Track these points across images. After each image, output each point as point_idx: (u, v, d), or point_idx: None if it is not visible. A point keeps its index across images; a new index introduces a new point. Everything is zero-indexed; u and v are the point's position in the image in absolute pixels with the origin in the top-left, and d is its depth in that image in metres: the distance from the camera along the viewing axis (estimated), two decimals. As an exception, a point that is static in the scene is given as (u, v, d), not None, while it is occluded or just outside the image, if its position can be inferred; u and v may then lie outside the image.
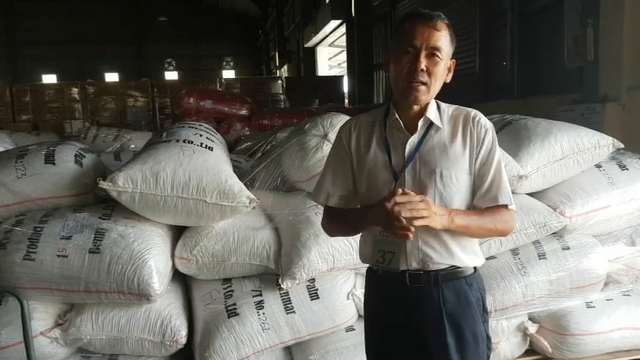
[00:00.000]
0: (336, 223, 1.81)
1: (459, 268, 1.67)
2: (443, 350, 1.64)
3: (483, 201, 1.66)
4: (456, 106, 1.73)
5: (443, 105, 1.71)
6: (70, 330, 2.37)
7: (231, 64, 30.25)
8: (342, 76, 16.10)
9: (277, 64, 24.69)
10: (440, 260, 1.64)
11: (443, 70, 1.62)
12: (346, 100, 14.74)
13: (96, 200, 2.59)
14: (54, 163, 2.50)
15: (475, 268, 1.72)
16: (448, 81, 1.67)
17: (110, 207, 2.51)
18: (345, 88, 15.00)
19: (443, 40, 1.59)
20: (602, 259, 2.81)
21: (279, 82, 14.39)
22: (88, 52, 26.78)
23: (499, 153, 1.68)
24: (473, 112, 1.69)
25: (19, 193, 2.46)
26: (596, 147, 2.89)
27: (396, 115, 1.67)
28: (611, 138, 2.94)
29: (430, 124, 1.66)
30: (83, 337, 2.38)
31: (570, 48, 5.18)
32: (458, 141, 1.65)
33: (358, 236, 1.84)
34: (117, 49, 27.49)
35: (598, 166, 3.00)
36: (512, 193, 1.74)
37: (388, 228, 1.52)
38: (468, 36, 8.23)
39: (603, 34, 4.69)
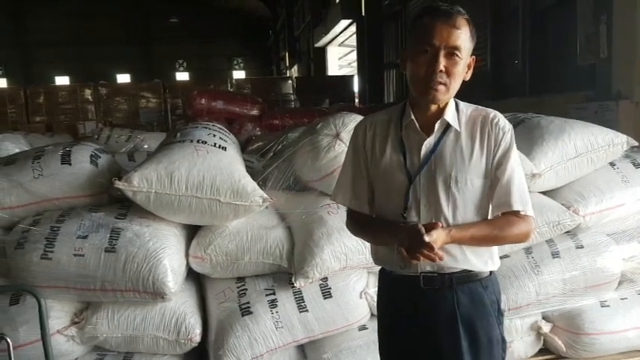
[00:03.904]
0: (363, 230, 1.79)
1: (474, 271, 1.64)
2: (456, 353, 1.63)
3: (499, 206, 1.62)
4: (475, 106, 1.68)
5: (462, 105, 1.66)
6: (86, 328, 2.40)
7: (242, 64, 30.30)
8: (352, 76, 16.08)
9: (287, 65, 24.71)
10: (454, 264, 1.62)
11: (462, 69, 1.57)
12: (356, 100, 14.73)
13: (111, 200, 2.61)
14: (70, 164, 2.53)
15: (491, 271, 1.69)
16: (468, 78, 1.62)
17: (125, 207, 2.54)
18: (356, 87, 14.99)
19: (462, 37, 1.54)
20: (616, 258, 2.79)
21: (290, 82, 14.43)
22: (99, 54, 26.93)
23: (516, 156, 1.63)
24: (492, 113, 1.64)
25: (36, 193, 2.49)
26: (610, 145, 2.87)
27: (412, 116, 1.63)
28: (625, 136, 2.92)
29: (447, 126, 1.62)
30: (99, 335, 2.40)
31: (583, 45, 5.13)
32: (475, 144, 1.61)
33: None
34: (128, 51, 27.65)
35: (612, 164, 2.98)
36: (525, 191, 1.70)
37: (411, 253, 1.49)
38: (478, 33, 8.12)
39: (617, 31, 4.65)
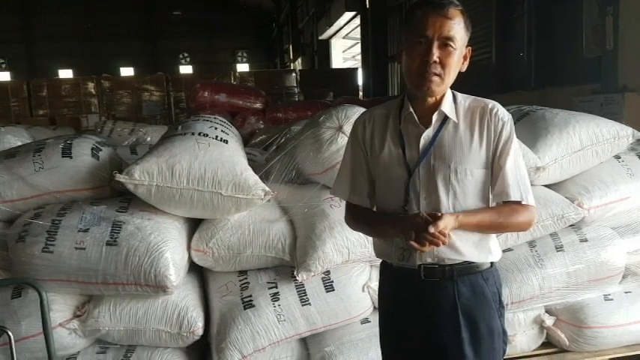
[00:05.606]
0: (361, 223, 1.79)
1: (475, 263, 1.65)
2: (457, 344, 1.63)
3: (498, 195, 1.62)
4: (474, 97, 1.67)
5: (459, 96, 1.66)
6: (89, 321, 2.40)
7: (245, 57, 30.26)
8: (356, 69, 16.06)
9: (291, 57, 24.67)
10: (454, 257, 1.62)
11: (457, 60, 1.56)
12: (360, 93, 14.69)
13: (113, 193, 2.61)
14: (71, 157, 2.52)
15: (492, 262, 1.69)
16: (464, 70, 1.62)
17: (127, 200, 2.53)
18: (360, 80, 14.96)
19: (456, 28, 1.53)
20: (620, 252, 2.77)
21: (293, 75, 14.40)
22: (102, 48, 26.94)
23: (517, 146, 1.63)
24: (491, 103, 1.64)
25: (37, 186, 2.48)
26: (616, 138, 2.84)
27: (410, 109, 1.63)
28: (630, 128, 2.90)
29: (445, 118, 1.62)
30: (101, 328, 2.41)
31: (589, 37, 5.09)
32: (474, 134, 1.60)
33: None
34: (131, 44, 27.64)
35: (617, 157, 2.96)
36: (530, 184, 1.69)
37: (418, 241, 1.49)
38: (484, 25, 8.14)
39: (623, 23, 4.61)
